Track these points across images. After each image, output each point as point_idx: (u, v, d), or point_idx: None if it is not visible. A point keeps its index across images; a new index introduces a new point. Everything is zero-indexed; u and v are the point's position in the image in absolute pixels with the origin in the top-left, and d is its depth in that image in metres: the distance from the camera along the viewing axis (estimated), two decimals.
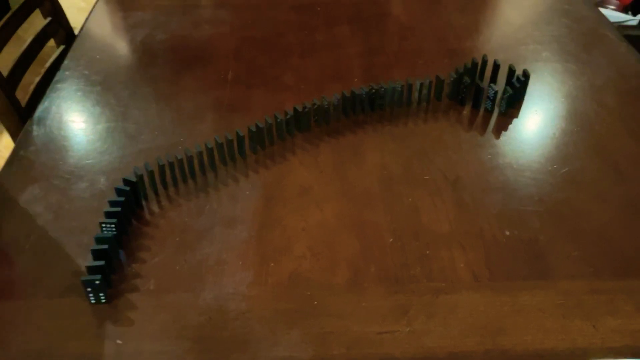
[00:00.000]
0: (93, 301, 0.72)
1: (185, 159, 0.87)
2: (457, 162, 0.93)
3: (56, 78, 1.13)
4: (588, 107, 1.05)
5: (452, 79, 1.04)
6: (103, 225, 0.77)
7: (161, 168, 0.86)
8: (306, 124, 0.99)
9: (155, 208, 0.85)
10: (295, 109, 0.96)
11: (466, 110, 1.04)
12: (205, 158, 0.90)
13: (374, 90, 1.01)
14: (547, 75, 1.13)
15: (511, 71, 1.06)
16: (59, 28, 1.33)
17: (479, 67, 1.09)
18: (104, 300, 0.72)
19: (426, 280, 0.75)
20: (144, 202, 0.86)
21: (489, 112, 1.03)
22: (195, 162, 0.89)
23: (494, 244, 0.80)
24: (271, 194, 0.87)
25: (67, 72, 1.15)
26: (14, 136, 1.10)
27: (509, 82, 1.06)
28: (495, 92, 1.01)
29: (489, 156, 0.94)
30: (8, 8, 2.47)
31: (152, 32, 1.28)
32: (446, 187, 0.88)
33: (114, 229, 0.77)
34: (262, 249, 0.79)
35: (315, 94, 1.03)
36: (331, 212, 0.84)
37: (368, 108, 1.03)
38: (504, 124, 1.01)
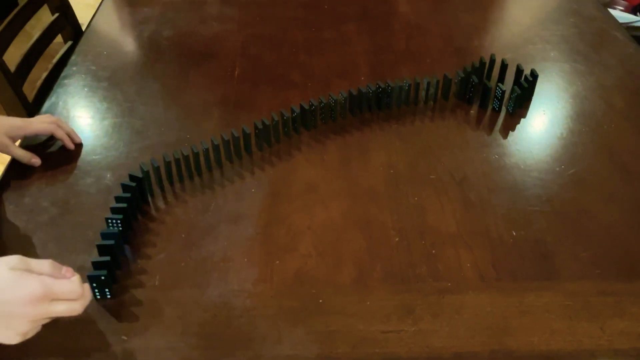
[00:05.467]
0: (98, 296, 0.72)
1: (191, 155, 0.87)
2: (463, 162, 0.92)
3: (63, 74, 1.13)
4: (596, 107, 1.04)
5: (459, 78, 1.04)
6: (109, 220, 0.77)
7: (167, 164, 0.86)
8: (312, 122, 0.98)
9: (161, 204, 0.85)
10: (301, 107, 0.96)
11: (473, 110, 1.04)
12: (211, 155, 0.89)
13: (380, 89, 1.00)
14: (555, 75, 1.13)
15: (519, 71, 1.05)
16: (67, 24, 1.33)
17: (486, 67, 1.08)
18: (109, 296, 0.72)
19: (432, 279, 0.74)
20: (149, 198, 0.86)
21: (497, 112, 1.03)
22: (202, 158, 0.89)
23: (500, 244, 0.79)
24: (277, 192, 0.87)
25: (74, 68, 1.15)
26: None
27: (516, 82, 1.05)
28: (503, 92, 1.01)
29: (496, 156, 0.94)
30: (16, 3, 2.47)
31: (159, 28, 1.28)
32: (453, 186, 0.88)
33: (119, 225, 0.77)
34: (268, 247, 0.79)
35: (321, 91, 1.03)
36: (337, 211, 0.84)
37: (375, 106, 1.03)
38: (511, 123, 1.01)
